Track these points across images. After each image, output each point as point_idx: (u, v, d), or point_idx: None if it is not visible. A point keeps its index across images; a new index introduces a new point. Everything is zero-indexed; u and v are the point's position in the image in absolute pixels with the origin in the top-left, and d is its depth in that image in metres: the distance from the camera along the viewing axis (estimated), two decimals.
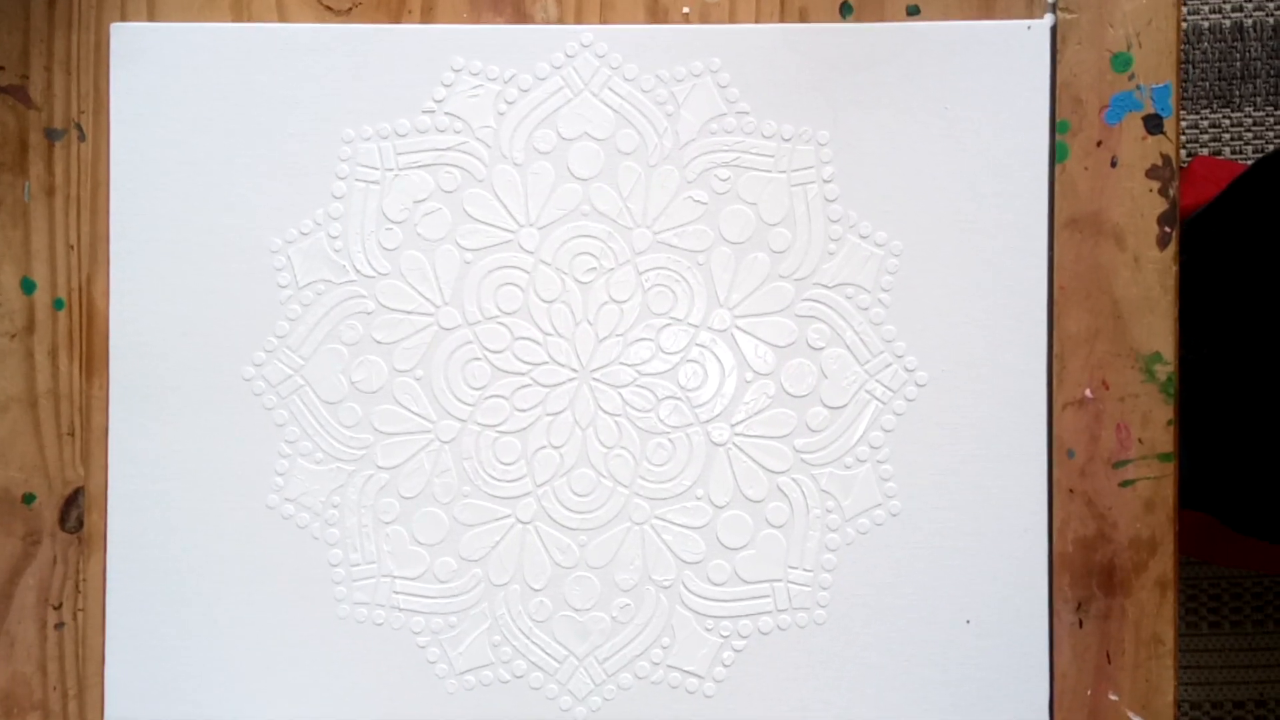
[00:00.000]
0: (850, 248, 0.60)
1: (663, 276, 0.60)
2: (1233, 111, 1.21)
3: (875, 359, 0.60)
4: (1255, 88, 1.21)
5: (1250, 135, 1.22)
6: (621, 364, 0.60)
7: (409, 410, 0.60)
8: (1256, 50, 1.19)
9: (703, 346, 0.60)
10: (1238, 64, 1.20)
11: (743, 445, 0.60)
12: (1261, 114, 1.20)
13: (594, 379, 0.60)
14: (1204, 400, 0.81)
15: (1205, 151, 1.21)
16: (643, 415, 0.60)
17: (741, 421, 0.60)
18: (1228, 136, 1.23)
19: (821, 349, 0.60)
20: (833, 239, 0.60)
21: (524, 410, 0.60)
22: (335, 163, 0.60)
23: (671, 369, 0.60)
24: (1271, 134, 1.20)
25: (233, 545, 0.60)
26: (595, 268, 0.60)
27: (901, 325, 0.60)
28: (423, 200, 0.60)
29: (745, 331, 0.60)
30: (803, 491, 0.60)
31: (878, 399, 0.60)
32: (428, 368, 0.60)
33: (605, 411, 0.60)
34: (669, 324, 0.60)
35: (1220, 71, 1.19)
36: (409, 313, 0.60)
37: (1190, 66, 1.17)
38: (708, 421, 0.60)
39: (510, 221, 0.60)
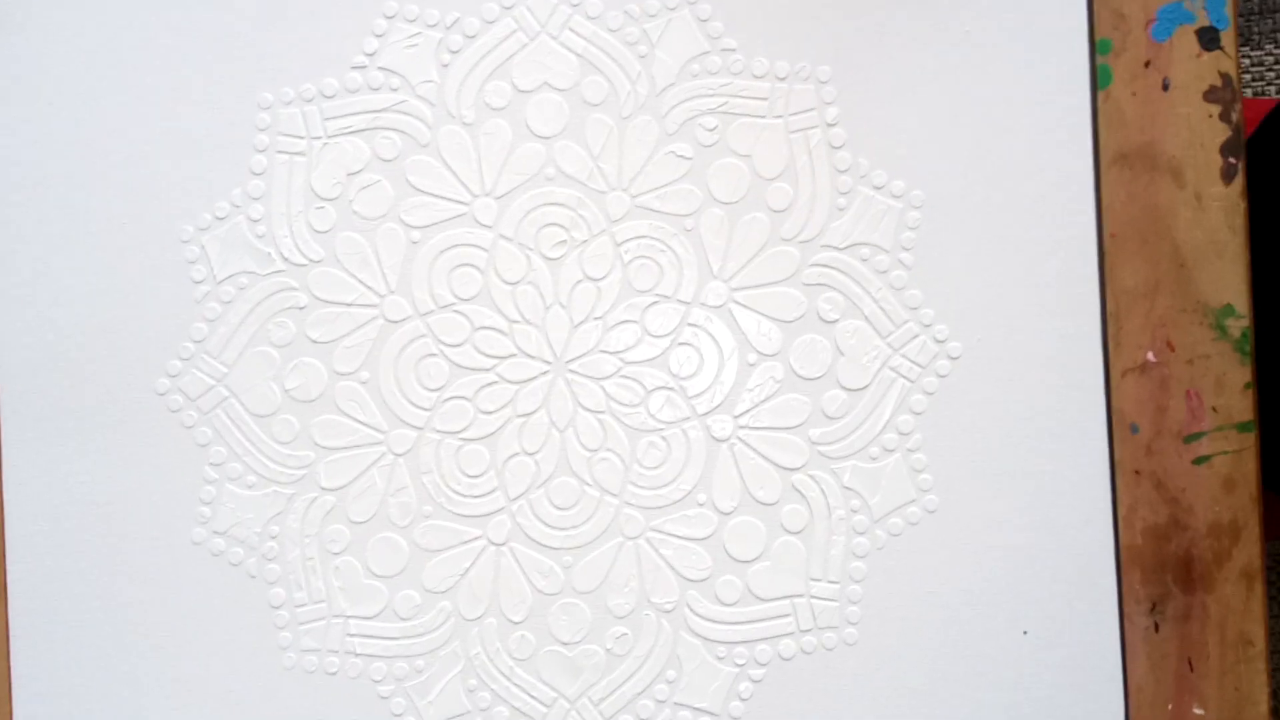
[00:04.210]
0: (862, 201, 0.55)
1: (645, 247, 0.55)
2: (1253, 50, 1.14)
3: (899, 330, 0.55)
4: (1275, 23, 1.13)
5: (1272, 75, 1.14)
6: (602, 352, 0.55)
7: (355, 420, 0.55)
8: None
9: (696, 326, 0.55)
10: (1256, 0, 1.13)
11: (749, 440, 0.55)
12: None
13: (570, 371, 0.55)
14: (1271, 363, 0.72)
15: None
16: (630, 411, 0.54)
17: (746, 412, 0.54)
18: (1249, 77, 1.15)
19: (835, 322, 0.55)
20: (841, 192, 0.55)
21: (490, 412, 0.55)
22: (253, 133, 0.55)
23: (661, 355, 0.55)
24: None
25: (155, 590, 0.55)
26: (565, 241, 0.55)
27: (927, 289, 0.55)
28: (358, 172, 0.55)
29: (745, 306, 0.55)
30: (822, 490, 0.54)
31: (905, 377, 0.55)
32: (374, 369, 0.55)
33: (586, 409, 0.55)
34: (655, 302, 0.55)
35: (1239, 8, 1.11)
36: (349, 305, 0.55)
37: None
38: (707, 414, 0.54)
39: (462, 192, 0.55)
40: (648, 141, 0.55)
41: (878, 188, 0.55)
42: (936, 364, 0.55)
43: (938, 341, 0.55)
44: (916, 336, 0.55)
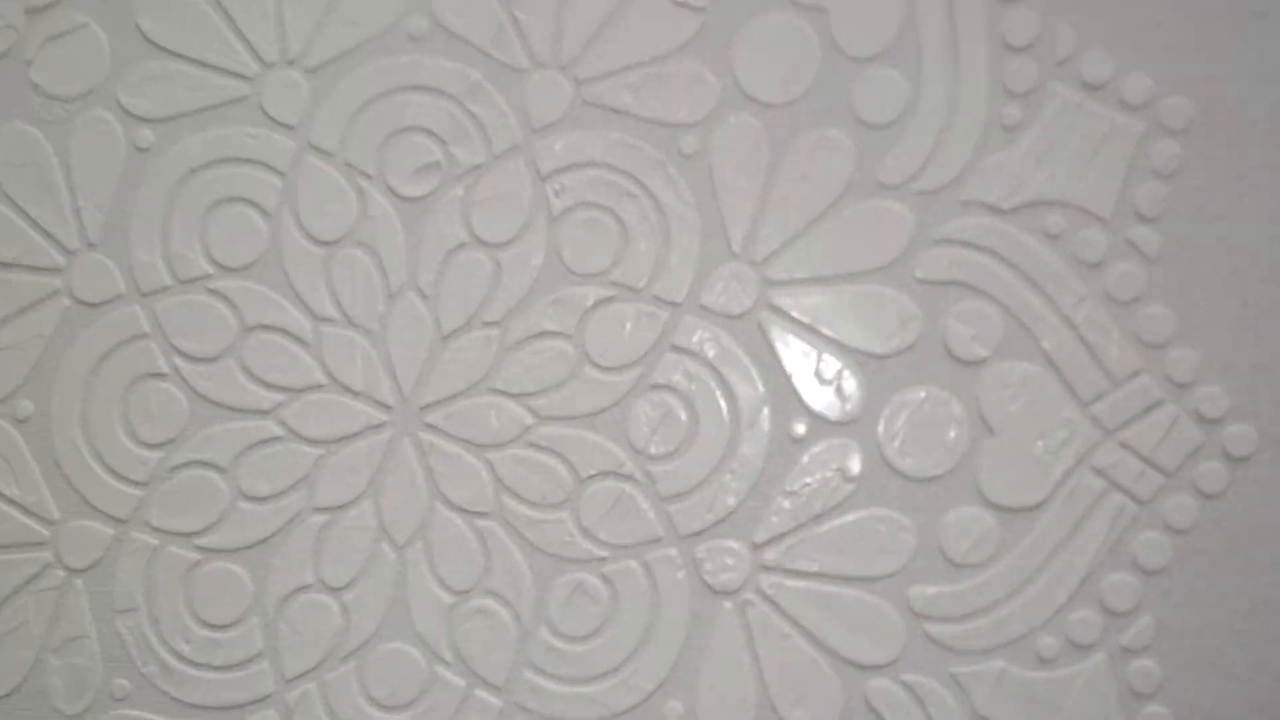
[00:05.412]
0: (1057, 113, 0.38)
1: (596, 186, 0.39)
2: None
3: (1121, 391, 0.37)
4: None
5: None
6: (494, 393, 0.39)
7: None
8: None
9: (687, 354, 0.39)
10: None
11: (780, 597, 0.38)
12: None
13: (428, 428, 0.40)
14: None
15: None
16: (542, 519, 0.39)
17: (779, 539, 0.38)
18: None
19: (981, 363, 0.38)
20: (1014, 93, 0.38)
21: (261, 500, 0.40)
22: None
23: (613, 407, 0.39)
24: None
25: None
26: (436, 164, 0.39)
27: (1186, 307, 0.38)
28: (46, 7, 0.42)
29: (792, 318, 0.39)
30: (928, 715, 0.38)
31: (1126, 492, 0.37)
32: (41, 397, 0.41)
33: (451, 506, 0.39)
34: (609, 299, 0.39)
35: None
36: (7, 267, 0.42)
37: None
38: (696, 537, 0.38)
39: (243, 57, 0.41)
40: None
41: (1092, 87, 0.38)
42: (1199, 469, 0.38)
43: (1204, 421, 0.38)
44: (1159, 406, 0.38)
